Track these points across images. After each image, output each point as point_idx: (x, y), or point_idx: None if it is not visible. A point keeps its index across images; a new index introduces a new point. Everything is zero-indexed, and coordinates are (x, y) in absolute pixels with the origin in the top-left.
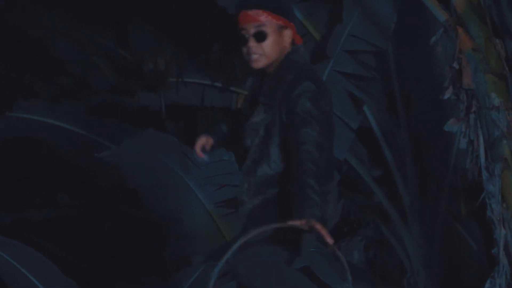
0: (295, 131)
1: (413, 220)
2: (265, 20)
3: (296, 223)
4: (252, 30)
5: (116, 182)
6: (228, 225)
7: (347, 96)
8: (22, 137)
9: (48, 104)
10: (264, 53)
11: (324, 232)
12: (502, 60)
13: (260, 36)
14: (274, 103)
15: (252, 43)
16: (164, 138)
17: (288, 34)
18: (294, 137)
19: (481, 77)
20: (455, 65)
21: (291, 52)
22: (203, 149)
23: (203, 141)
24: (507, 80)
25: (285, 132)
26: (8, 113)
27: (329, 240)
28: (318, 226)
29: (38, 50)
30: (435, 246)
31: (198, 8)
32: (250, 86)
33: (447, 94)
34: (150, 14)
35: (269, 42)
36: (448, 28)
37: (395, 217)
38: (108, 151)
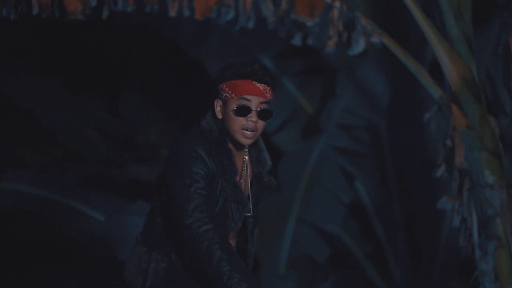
0: None
1: None
2: (269, 98)
3: None
4: (259, 105)
5: (107, 254)
6: None
7: (340, 171)
8: (12, 208)
9: (38, 174)
10: (257, 132)
11: None
12: (496, 138)
13: (266, 115)
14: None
15: (255, 119)
16: None
17: None
18: None
19: (475, 155)
20: (449, 142)
21: None
22: None
23: None
24: (501, 158)
25: None
26: None
27: None
28: None
29: (28, 120)
30: None
31: (190, 80)
32: (231, 165)
33: (440, 172)
34: (142, 86)
35: (265, 122)
36: (442, 105)
37: None
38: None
